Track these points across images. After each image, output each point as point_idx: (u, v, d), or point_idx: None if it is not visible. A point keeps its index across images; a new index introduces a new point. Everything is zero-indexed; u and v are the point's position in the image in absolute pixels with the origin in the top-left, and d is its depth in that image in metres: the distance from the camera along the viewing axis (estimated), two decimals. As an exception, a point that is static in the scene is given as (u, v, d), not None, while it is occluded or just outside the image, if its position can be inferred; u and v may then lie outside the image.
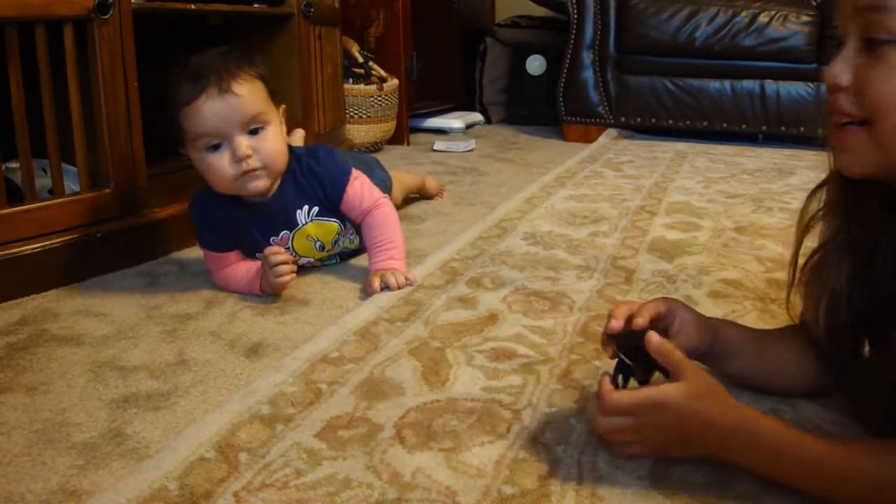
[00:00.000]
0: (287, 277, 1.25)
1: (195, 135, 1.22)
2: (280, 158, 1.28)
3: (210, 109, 1.20)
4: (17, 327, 1.15)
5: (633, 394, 0.77)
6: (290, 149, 1.33)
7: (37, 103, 1.28)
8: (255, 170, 1.24)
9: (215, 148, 1.23)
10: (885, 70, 0.69)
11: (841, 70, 0.72)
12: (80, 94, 1.34)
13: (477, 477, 0.78)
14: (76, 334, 1.13)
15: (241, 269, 1.33)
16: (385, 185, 1.60)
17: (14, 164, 1.33)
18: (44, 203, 1.31)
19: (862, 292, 0.82)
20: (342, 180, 1.35)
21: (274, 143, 1.26)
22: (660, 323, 0.86)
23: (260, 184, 1.26)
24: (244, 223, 1.32)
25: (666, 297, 0.90)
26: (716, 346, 0.90)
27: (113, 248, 1.39)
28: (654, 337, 0.77)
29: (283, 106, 1.33)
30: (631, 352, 0.81)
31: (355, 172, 1.37)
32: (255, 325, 1.18)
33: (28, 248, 1.27)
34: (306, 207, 1.35)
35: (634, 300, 0.89)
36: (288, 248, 1.34)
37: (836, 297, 0.84)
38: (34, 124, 1.27)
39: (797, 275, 0.90)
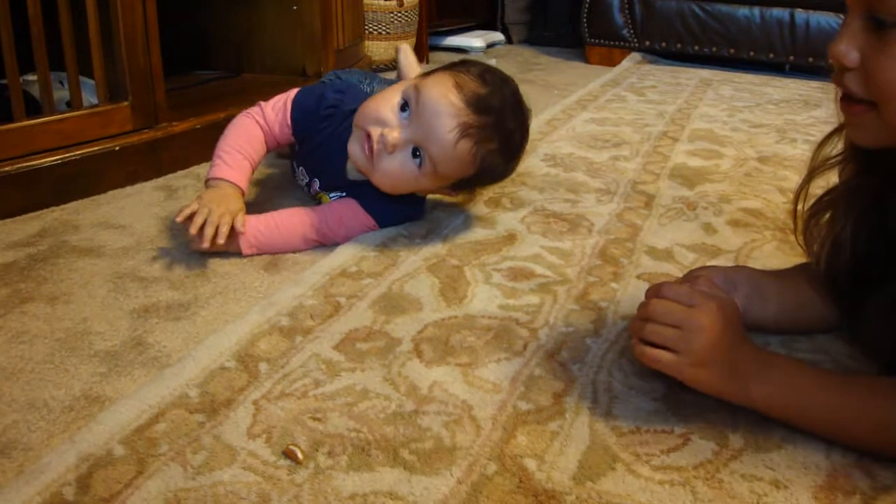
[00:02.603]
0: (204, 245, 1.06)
1: None
2: None
3: None
4: (38, 239, 1.16)
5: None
6: None
7: (53, 15, 1.26)
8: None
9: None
10: (892, 55, 0.66)
11: (847, 49, 0.69)
12: (97, 5, 1.32)
13: (493, 392, 0.79)
14: (96, 246, 1.14)
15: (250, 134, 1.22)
16: None
17: (31, 77, 1.32)
18: (62, 115, 1.31)
19: (866, 240, 0.82)
20: (378, 214, 1.21)
21: None
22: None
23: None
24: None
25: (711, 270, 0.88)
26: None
27: (131, 161, 1.39)
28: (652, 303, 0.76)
29: None
30: None
31: (374, 226, 1.20)
32: (273, 240, 1.18)
33: (47, 161, 1.27)
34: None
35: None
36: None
37: (840, 244, 0.83)
38: (51, 37, 1.26)
39: (804, 215, 0.89)
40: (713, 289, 0.78)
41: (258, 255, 1.12)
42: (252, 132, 1.20)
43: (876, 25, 0.66)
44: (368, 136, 1.08)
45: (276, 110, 1.22)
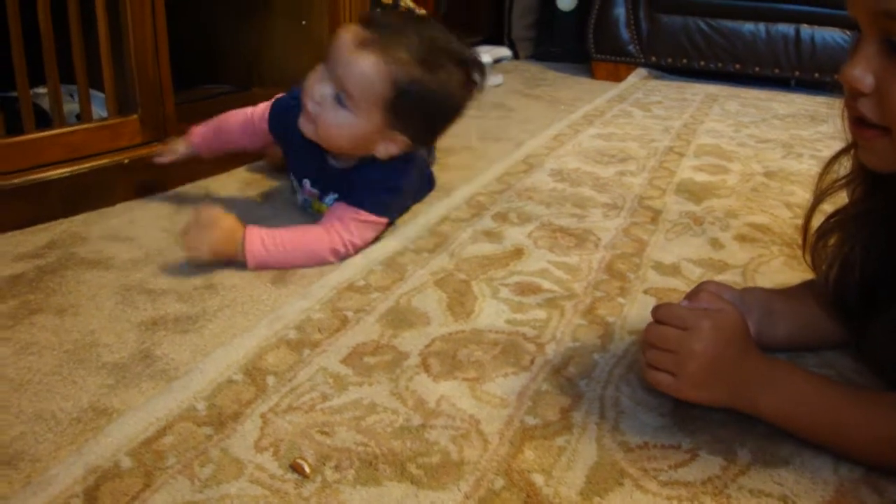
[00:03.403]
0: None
1: None
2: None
3: None
4: (46, 250, 1.16)
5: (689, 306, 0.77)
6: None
7: (64, 28, 1.27)
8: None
9: None
10: None
11: (861, 73, 0.67)
12: (108, 19, 1.33)
13: (500, 407, 0.79)
14: (104, 258, 1.14)
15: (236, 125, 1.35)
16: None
17: (42, 90, 1.33)
18: (72, 128, 1.31)
19: (874, 262, 0.81)
20: (369, 206, 1.18)
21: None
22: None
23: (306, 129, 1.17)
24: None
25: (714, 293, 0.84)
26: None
27: (140, 174, 1.40)
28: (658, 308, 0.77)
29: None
30: None
31: (382, 222, 1.20)
32: (280, 253, 1.18)
33: (56, 173, 1.27)
34: (307, 182, 1.29)
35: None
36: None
37: (849, 265, 0.83)
38: (61, 50, 1.27)
39: (812, 235, 0.88)
40: (715, 302, 0.77)
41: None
42: (237, 114, 1.33)
43: (891, 49, 0.65)
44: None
45: (264, 105, 1.32)
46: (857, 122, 0.71)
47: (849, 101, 0.71)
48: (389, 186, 1.21)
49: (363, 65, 1.08)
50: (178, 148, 1.38)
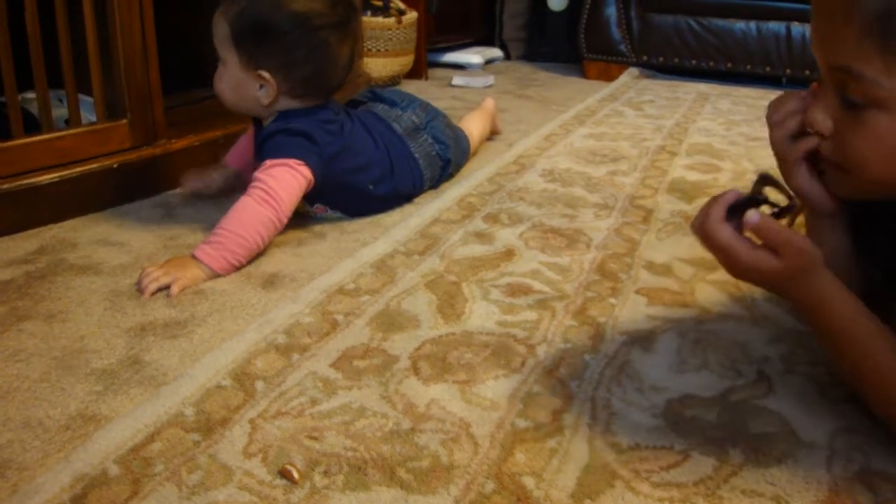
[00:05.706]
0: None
1: None
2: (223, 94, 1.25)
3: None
4: (36, 256, 1.15)
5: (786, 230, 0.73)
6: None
7: (52, 32, 1.26)
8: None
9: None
10: (865, 135, 0.69)
11: (823, 118, 0.72)
12: (96, 23, 1.33)
13: (491, 409, 0.79)
14: (94, 263, 1.14)
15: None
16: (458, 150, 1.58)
17: (30, 95, 1.32)
18: (60, 133, 1.31)
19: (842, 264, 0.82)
20: (270, 154, 1.20)
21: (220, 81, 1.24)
22: None
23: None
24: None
25: None
26: None
27: (130, 178, 1.39)
28: (752, 217, 0.72)
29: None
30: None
31: (291, 163, 1.19)
32: (271, 256, 1.18)
33: (45, 178, 1.27)
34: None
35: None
36: None
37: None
38: (50, 54, 1.26)
39: None
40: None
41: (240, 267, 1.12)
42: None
43: (848, 104, 0.69)
44: None
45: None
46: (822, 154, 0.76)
47: (813, 139, 0.76)
48: (286, 129, 1.22)
49: (218, 23, 1.20)
50: (212, 174, 1.40)
